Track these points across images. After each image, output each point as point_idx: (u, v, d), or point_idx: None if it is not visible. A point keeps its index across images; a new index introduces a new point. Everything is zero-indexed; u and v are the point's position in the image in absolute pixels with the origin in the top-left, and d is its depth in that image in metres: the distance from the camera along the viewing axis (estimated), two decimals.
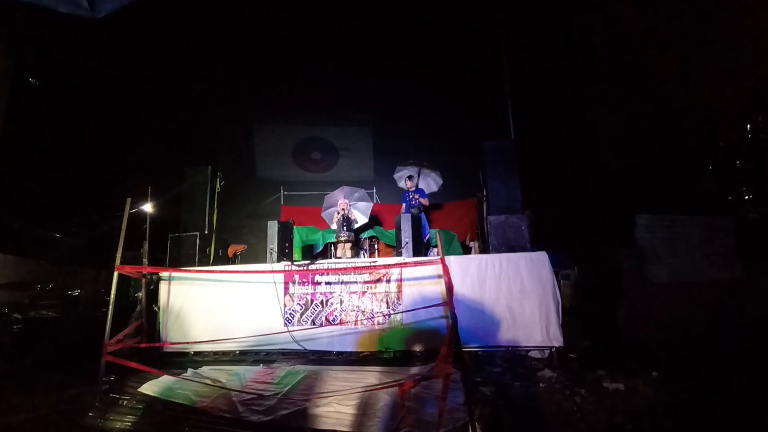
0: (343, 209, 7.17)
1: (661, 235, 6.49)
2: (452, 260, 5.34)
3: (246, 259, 7.58)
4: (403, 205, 7.60)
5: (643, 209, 6.68)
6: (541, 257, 5.41)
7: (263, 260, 6.50)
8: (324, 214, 7.77)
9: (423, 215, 7.28)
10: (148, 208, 7.23)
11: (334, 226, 7.37)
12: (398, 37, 12.63)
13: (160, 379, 4.71)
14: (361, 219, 7.61)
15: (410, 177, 7.73)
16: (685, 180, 11.71)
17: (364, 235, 7.85)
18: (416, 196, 7.48)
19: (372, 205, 7.88)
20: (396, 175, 8.44)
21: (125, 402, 4.41)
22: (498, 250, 5.82)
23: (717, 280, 6.19)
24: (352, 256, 6.95)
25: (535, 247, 5.70)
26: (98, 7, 1.49)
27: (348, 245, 6.95)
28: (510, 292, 5.35)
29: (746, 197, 11.79)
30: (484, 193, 6.75)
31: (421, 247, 6.44)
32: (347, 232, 7.01)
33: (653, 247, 6.42)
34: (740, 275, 6.32)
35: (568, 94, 13.12)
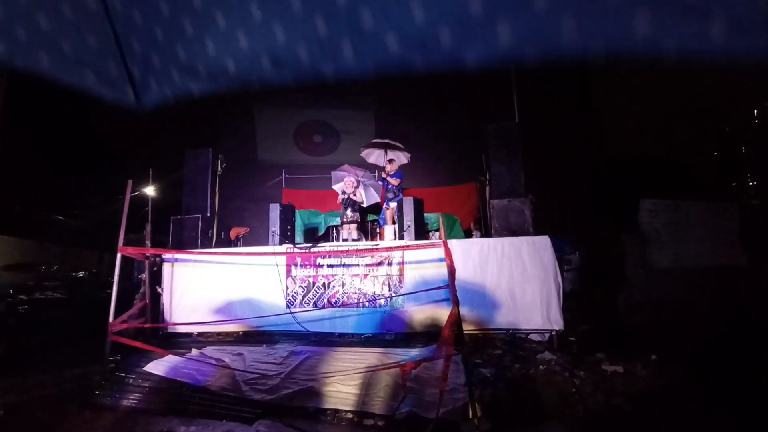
0: (344, 191, 7.09)
1: (664, 220, 6.46)
2: (454, 243, 5.33)
3: (248, 241, 7.58)
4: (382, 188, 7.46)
5: (647, 194, 6.63)
6: (544, 241, 5.40)
7: (265, 243, 6.51)
8: (336, 187, 7.60)
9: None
10: (149, 190, 7.24)
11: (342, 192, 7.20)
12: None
13: (165, 358, 4.78)
14: (372, 198, 7.52)
15: (391, 160, 7.52)
16: (689, 165, 11.61)
17: (368, 218, 7.81)
18: (389, 179, 7.27)
19: (380, 183, 7.75)
20: (365, 152, 8.32)
21: (131, 381, 4.48)
22: (500, 234, 5.81)
23: (719, 266, 6.19)
24: (358, 237, 6.91)
25: (537, 231, 5.68)
26: (144, 99, 1.44)
27: (354, 226, 6.89)
28: (511, 275, 5.36)
29: (750, 183, 11.71)
30: (487, 177, 6.68)
31: (422, 231, 6.40)
32: (352, 213, 6.95)
33: (656, 232, 6.40)
34: (743, 261, 6.31)
35: (573, 78, 12.95)
